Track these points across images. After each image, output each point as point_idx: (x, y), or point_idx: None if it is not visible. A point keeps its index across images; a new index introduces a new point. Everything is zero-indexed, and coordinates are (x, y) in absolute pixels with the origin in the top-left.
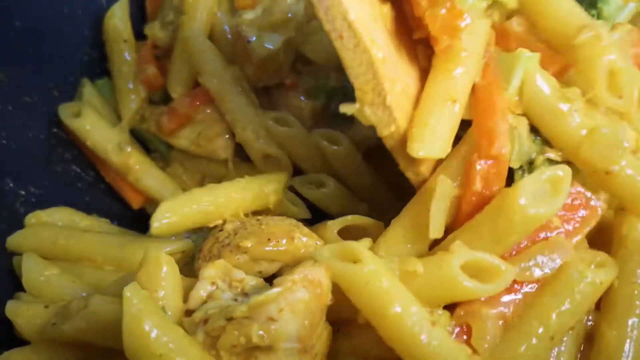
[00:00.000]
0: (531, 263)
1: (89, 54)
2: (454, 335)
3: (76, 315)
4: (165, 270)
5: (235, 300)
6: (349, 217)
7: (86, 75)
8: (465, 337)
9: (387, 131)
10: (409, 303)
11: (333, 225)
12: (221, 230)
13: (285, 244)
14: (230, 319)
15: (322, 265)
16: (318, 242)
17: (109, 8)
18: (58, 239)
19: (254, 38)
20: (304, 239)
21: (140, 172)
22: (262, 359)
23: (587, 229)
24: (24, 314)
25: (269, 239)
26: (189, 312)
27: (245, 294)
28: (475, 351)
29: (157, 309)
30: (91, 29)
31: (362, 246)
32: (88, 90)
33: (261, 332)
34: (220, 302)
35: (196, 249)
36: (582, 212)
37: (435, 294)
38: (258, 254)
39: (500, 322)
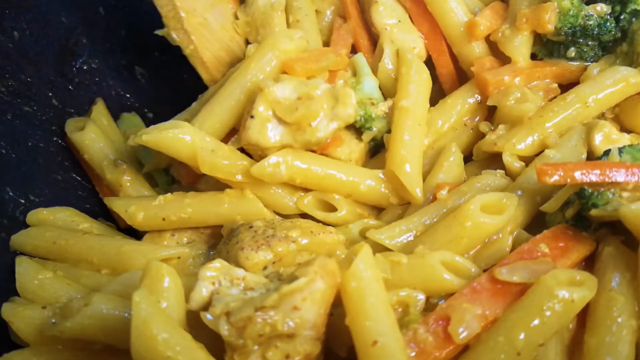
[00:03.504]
0: (512, 268)
1: (88, 63)
2: (431, 323)
3: (77, 313)
4: (167, 281)
5: (245, 294)
6: (365, 220)
7: (83, 82)
8: (442, 323)
9: (187, 50)
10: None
11: (354, 227)
12: (251, 227)
13: (322, 238)
14: (260, 309)
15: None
16: (341, 237)
17: (106, 15)
18: (58, 239)
19: None
20: (335, 235)
21: (132, 190)
22: (281, 346)
23: (577, 257)
24: (20, 315)
25: (311, 232)
26: (191, 312)
27: (252, 289)
28: (450, 339)
29: (165, 313)
30: (89, 38)
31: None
32: (98, 107)
33: (290, 321)
34: (236, 296)
35: (191, 255)
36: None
37: (416, 280)
38: (302, 246)
39: (482, 319)
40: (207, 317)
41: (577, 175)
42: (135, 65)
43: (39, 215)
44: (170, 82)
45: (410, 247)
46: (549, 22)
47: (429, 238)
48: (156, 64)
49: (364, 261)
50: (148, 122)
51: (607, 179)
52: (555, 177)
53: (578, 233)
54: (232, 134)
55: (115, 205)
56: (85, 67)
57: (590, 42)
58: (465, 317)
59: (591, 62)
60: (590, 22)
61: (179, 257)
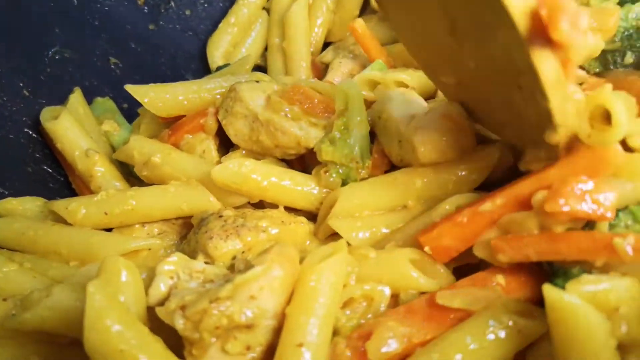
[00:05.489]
0: (458, 294)
1: (60, 53)
2: (355, 337)
3: (38, 304)
4: (124, 275)
5: (204, 287)
6: None
7: (55, 72)
8: (364, 338)
9: None
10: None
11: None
12: (221, 216)
13: (294, 228)
14: (214, 300)
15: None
16: (313, 227)
17: (79, 4)
18: (27, 230)
19: None
20: (306, 225)
21: (102, 180)
22: (241, 337)
23: (533, 296)
24: None
25: (282, 222)
26: (151, 308)
27: (211, 281)
28: (363, 355)
29: (121, 306)
30: (61, 27)
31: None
32: (75, 96)
33: (248, 311)
34: (193, 289)
35: (162, 246)
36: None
37: (383, 275)
38: (272, 236)
39: (405, 340)
40: (162, 311)
41: (532, 254)
42: (110, 55)
43: (8, 205)
44: (146, 73)
45: (382, 244)
46: (614, 28)
47: (401, 235)
48: (132, 54)
49: (334, 266)
50: (123, 113)
51: (567, 257)
52: (512, 256)
53: (545, 273)
54: None
55: (55, 205)
56: (57, 57)
57: None
58: (386, 335)
59: None
60: None
61: (149, 249)
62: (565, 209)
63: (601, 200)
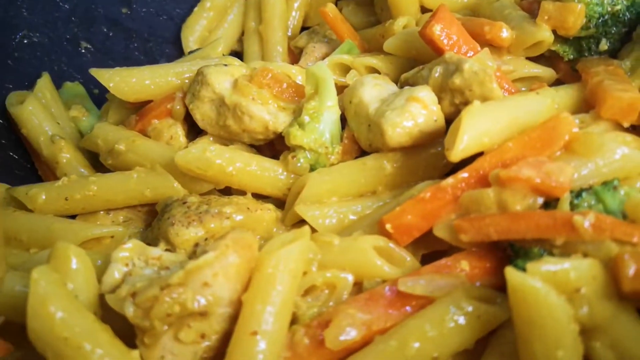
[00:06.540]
0: (420, 280)
1: (29, 37)
2: (314, 325)
3: None
4: (74, 263)
5: (159, 274)
6: None
7: (23, 56)
8: (323, 326)
9: None
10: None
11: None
12: (185, 202)
13: (260, 215)
14: (165, 287)
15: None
16: (280, 214)
17: None
18: None
19: None
20: (273, 212)
21: (67, 166)
22: (195, 326)
23: (497, 282)
24: None
25: (248, 208)
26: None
27: (167, 268)
28: (322, 343)
29: (67, 293)
30: (30, 10)
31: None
32: (43, 81)
33: (201, 299)
34: (147, 276)
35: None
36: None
37: (346, 262)
38: (236, 222)
39: (364, 328)
40: (112, 298)
41: (493, 233)
42: (81, 39)
43: None
44: (119, 58)
45: (350, 231)
46: (573, 26)
47: (369, 222)
48: (104, 39)
49: (293, 252)
50: (94, 99)
51: (527, 236)
52: (473, 236)
53: (509, 259)
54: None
55: (16, 191)
56: (25, 41)
57: (622, 29)
58: (345, 323)
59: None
60: (618, 7)
61: (112, 236)
62: (518, 174)
63: (554, 171)
